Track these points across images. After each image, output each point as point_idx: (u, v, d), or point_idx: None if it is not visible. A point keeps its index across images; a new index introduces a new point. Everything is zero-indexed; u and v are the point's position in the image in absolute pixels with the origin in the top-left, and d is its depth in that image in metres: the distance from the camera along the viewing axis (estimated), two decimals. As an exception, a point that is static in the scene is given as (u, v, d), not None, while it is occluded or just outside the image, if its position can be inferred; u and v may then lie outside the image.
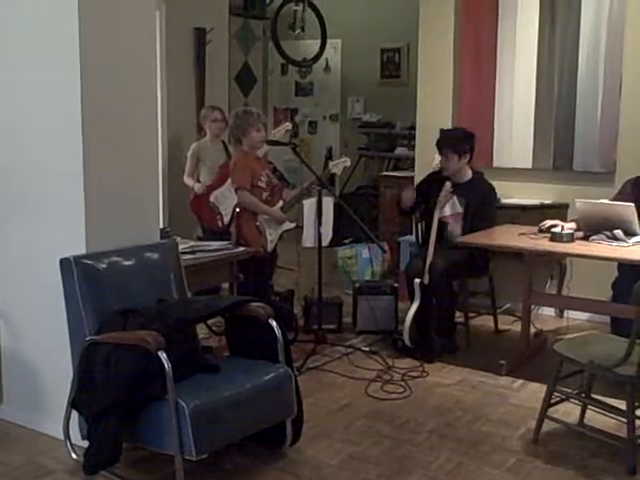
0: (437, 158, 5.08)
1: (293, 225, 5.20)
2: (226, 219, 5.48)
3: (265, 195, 5.04)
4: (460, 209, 5.04)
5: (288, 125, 5.50)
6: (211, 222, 5.40)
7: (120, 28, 3.51)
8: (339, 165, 5.22)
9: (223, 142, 5.96)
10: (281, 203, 5.12)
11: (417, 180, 5.90)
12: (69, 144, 3.42)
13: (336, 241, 5.78)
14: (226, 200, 5.44)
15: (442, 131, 5.17)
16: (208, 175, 5.88)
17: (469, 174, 5.09)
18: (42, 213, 3.58)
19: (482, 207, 5.00)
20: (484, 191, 5.08)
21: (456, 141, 5.07)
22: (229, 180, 5.26)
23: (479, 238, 4.74)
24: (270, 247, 5.04)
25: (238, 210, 5.04)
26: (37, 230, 3.60)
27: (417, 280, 4.79)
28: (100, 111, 3.44)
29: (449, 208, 5.05)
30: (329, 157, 8.83)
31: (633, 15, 5.35)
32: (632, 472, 3.32)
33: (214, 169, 5.79)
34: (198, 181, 5.98)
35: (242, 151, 5.07)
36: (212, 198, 5.41)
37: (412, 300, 4.87)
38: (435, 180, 5.10)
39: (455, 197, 5.03)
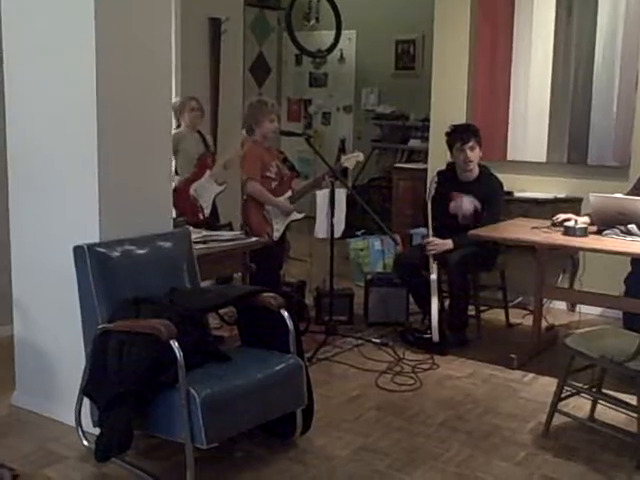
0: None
1: (301, 215, 5.20)
2: (206, 211, 5.49)
3: (274, 185, 5.05)
4: (478, 205, 5.04)
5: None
6: (192, 215, 5.28)
7: (136, 18, 3.51)
8: (351, 159, 5.15)
9: (200, 132, 5.83)
10: (290, 193, 5.13)
11: (430, 172, 5.89)
12: (84, 133, 3.43)
13: (348, 233, 5.79)
14: (206, 192, 5.45)
15: (456, 126, 5.13)
16: (186, 167, 5.60)
17: (476, 170, 5.08)
18: (56, 201, 3.59)
19: (489, 202, 5.00)
20: (491, 186, 5.07)
21: (477, 132, 5.08)
22: (208, 172, 5.27)
23: (492, 231, 4.73)
24: (276, 236, 5.05)
25: (245, 198, 5.06)
26: (51, 218, 3.62)
27: (433, 277, 4.81)
28: (115, 100, 3.45)
29: (467, 208, 5.06)
30: (342, 149, 8.82)
31: (650, 8, 5.31)
32: (642, 467, 3.33)
33: (192, 160, 5.56)
34: (176, 173, 5.57)
35: (253, 141, 5.07)
36: (192, 190, 5.40)
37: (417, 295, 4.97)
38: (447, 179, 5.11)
39: (465, 197, 5.05)
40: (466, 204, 5.05)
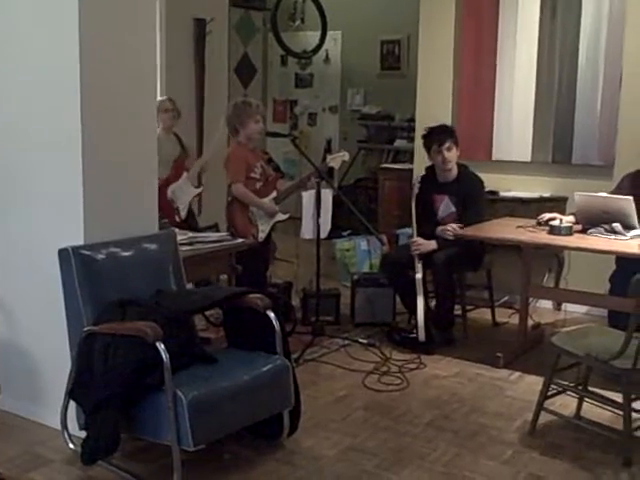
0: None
1: (286, 216, 5.19)
2: (183, 214, 5.48)
3: (259, 185, 5.05)
4: (453, 208, 5.06)
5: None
6: (168, 217, 5.22)
7: (120, 19, 3.49)
8: (337, 159, 5.16)
9: (175, 134, 5.73)
10: (274, 194, 5.12)
11: (416, 173, 5.90)
12: (68, 134, 3.41)
13: (334, 233, 5.79)
14: (183, 195, 5.43)
15: (432, 128, 5.14)
16: (163, 169, 5.25)
17: (455, 171, 5.10)
18: (41, 203, 3.57)
19: (470, 200, 5.01)
20: (471, 185, 5.09)
21: (454, 133, 5.11)
22: (185, 174, 5.24)
23: (477, 231, 4.74)
24: (261, 237, 5.04)
25: (230, 200, 5.05)
26: (36, 220, 3.60)
27: (419, 276, 4.83)
28: (99, 102, 3.43)
29: (444, 210, 5.09)
30: (328, 150, 8.82)
31: (634, 8, 5.34)
32: (628, 464, 3.34)
33: (169, 162, 5.49)
34: None
35: (237, 142, 5.06)
36: (169, 192, 5.38)
37: (404, 295, 5.00)
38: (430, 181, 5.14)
39: (447, 198, 5.07)
40: (444, 210, 5.09)
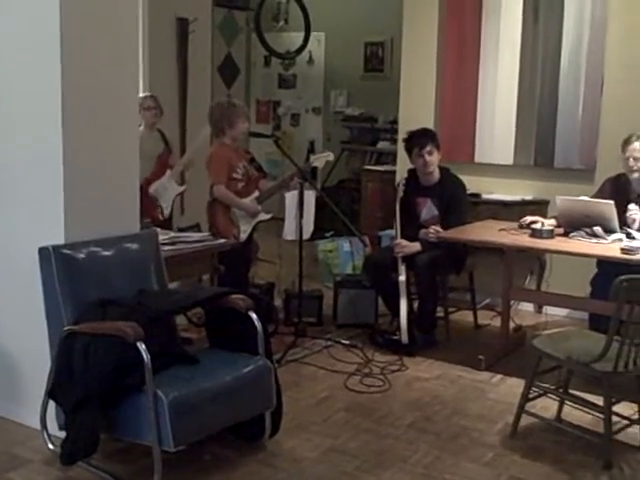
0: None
1: (269, 216, 5.16)
2: (166, 212, 5.44)
3: (240, 185, 5.02)
4: (436, 211, 5.07)
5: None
6: (151, 215, 5.22)
7: (102, 19, 3.47)
8: (321, 159, 5.15)
9: (160, 131, 5.69)
10: (257, 193, 5.10)
11: (399, 175, 5.91)
12: (49, 133, 3.38)
13: (317, 234, 5.78)
14: (166, 192, 5.40)
15: (413, 132, 5.15)
16: (146, 165, 5.30)
17: (437, 174, 5.11)
18: (21, 202, 3.54)
19: (452, 203, 5.03)
20: (453, 188, 5.10)
21: (435, 136, 5.13)
22: (169, 171, 5.21)
23: (460, 234, 4.75)
24: (243, 237, 5.01)
25: (211, 200, 5.02)
26: (16, 219, 3.57)
27: (402, 278, 4.84)
28: (80, 101, 3.41)
29: (426, 213, 5.10)
30: (311, 150, 8.81)
31: (615, 13, 5.37)
32: (608, 467, 3.35)
33: (152, 158, 5.44)
34: None
35: (221, 143, 5.02)
36: (152, 190, 5.34)
37: (386, 296, 5.02)
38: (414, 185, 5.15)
39: (430, 201, 5.09)
40: (427, 212, 5.10)
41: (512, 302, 5.03)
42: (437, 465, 3.38)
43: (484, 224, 5.03)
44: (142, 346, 2.92)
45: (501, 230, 4.67)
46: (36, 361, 3.44)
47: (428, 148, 5.01)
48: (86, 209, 3.48)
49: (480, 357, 4.57)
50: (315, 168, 5.23)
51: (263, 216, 5.13)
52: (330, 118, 9.28)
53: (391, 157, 7.53)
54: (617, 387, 3.49)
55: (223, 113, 4.97)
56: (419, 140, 5.06)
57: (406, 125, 6.17)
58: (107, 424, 3.07)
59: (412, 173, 5.21)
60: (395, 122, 7.15)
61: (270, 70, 9.64)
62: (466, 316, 5.47)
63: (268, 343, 3.45)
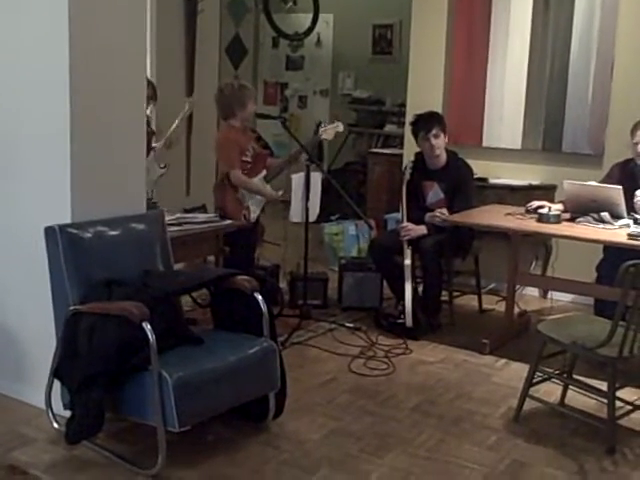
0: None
1: (281, 192, 5.12)
2: (149, 195, 5.40)
3: (249, 166, 5.00)
4: (442, 195, 5.05)
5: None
6: None
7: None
8: (330, 131, 5.09)
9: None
10: (264, 172, 5.08)
11: (406, 158, 5.89)
12: (56, 112, 3.37)
13: (323, 217, 5.77)
14: (149, 173, 5.36)
15: (420, 115, 5.13)
16: None
17: (444, 157, 5.09)
18: (28, 181, 3.54)
19: (459, 187, 5.01)
20: (460, 172, 5.08)
21: (441, 119, 5.11)
22: (152, 153, 5.18)
23: (466, 217, 4.74)
24: (253, 217, 5.00)
25: (218, 182, 5.00)
26: (22, 198, 3.57)
27: (407, 262, 4.83)
28: (88, 78, 3.40)
29: (432, 196, 5.08)
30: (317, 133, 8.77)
31: (627, -2, 5.33)
32: (612, 452, 3.36)
33: None
34: None
35: (229, 126, 4.98)
36: None
37: (391, 280, 5.00)
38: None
39: (436, 184, 5.07)
40: (433, 196, 5.08)
41: (517, 287, 5.02)
42: (440, 448, 3.39)
43: (490, 208, 5.01)
44: (148, 326, 2.92)
45: (507, 214, 4.65)
46: (41, 340, 3.45)
47: (434, 131, 4.98)
48: (93, 188, 3.48)
49: (484, 341, 4.57)
50: (322, 142, 5.15)
51: (279, 195, 5.09)
52: (337, 100, 9.24)
53: (398, 140, 7.51)
54: (621, 372, 3.49)
55: (234, 94, 4.91)
56: (425, 123, 5.03)
57: (414, 108, 6.14)
58: (112, 404, 3.08)
59: (419, 156, 5.19)
60: (403, 105, 7.11)
61: (278, 51, 9.59)
62: (471, 300, 5.47)
63: (273, 325, 3.46)
